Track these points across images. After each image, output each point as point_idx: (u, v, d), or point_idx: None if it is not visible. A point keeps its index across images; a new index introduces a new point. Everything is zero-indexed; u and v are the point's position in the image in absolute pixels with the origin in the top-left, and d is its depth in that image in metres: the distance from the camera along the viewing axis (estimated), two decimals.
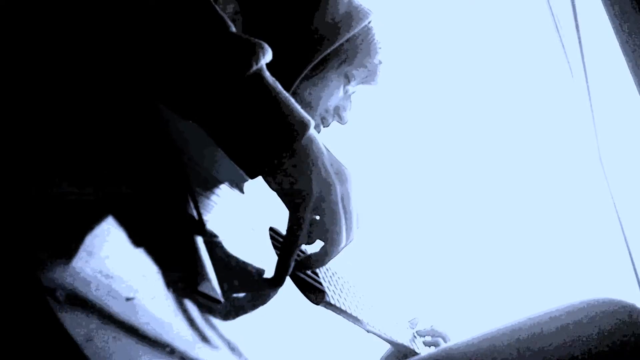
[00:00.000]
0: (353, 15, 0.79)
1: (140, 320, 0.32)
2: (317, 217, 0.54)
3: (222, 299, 0.42)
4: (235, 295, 0.46)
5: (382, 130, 1.58)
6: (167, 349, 0.33)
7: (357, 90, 0.87)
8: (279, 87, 0.50)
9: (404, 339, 0.81)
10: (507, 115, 1.56)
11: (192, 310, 0.38)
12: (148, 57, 0.45)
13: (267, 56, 0.49)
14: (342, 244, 0.55)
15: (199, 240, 0.45)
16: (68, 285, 0.30)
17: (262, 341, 0.46)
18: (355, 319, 0.70)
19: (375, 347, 0.75)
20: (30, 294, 0.28)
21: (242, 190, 0.61)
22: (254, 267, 0.53)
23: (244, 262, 0.52)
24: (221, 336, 0.40)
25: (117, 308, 0.32)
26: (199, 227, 0.47)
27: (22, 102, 0.39)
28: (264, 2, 0.75)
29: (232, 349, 0.40)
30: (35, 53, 0.42)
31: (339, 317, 0.67)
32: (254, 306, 0.48)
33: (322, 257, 0.57)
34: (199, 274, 0.42)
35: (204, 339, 0.38)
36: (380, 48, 0.84)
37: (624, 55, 0.79)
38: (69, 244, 0.32)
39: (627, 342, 0.52)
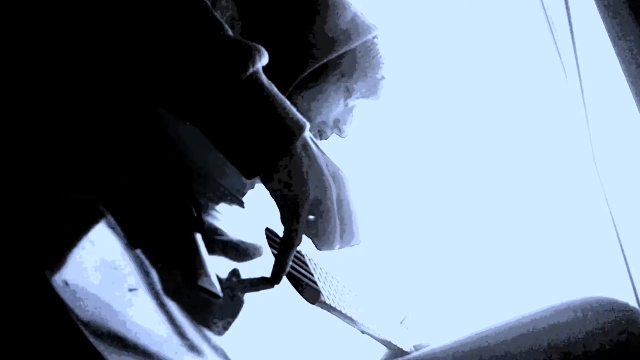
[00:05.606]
0: (354, 30, 0.79)
1: (140, 316, 0.33)
2: (312, 218, 0.54)
3: (221, 294, 0.43)
4: (232, 292, 0.46)
5: (375, 130, 1.58)
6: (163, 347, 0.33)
7: (359, 104, 0.86)
8: (275, 89, 0.50)
9: (398, 341, 0.81)
10: (501, 117, 1.56)
11: (191, 307, 0.38)
12: (146, 59, 0.45)
13: (264, 59, 0.50)
14: (336, 247, 0.55)
15: (198, 237, 0.45)
16: (71, 272, 0.30)
17: (257, 340, 0.46)
18: (350, 320, 0.70)
19: (370, 349, 0.75)
20: (33, 282, 0.29)
21: (244, 192, 0.62)
22: (250, 265, 0.54)
23: (241, 260, 0.52)
24: (218, 334, 0.40)
25: (120, 299, 0.32)
26: (198, 224, 0.47)
27: (23, 104, 0.39)
28: (262, 8, 0.75)
29: (227, 349, 0.41)
30: (34, 55, 0.42)
31: (334, 318, 0.68)
32: (250, 305, 0.49)
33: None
34: (198, 269, 0.42)
35: (202, 338, 0.38)
36: (383, 64, 0.83)
37: (617, 56, 0.80)
38: (72, 239, 0.33)
39: (620, 340, 0.53)
